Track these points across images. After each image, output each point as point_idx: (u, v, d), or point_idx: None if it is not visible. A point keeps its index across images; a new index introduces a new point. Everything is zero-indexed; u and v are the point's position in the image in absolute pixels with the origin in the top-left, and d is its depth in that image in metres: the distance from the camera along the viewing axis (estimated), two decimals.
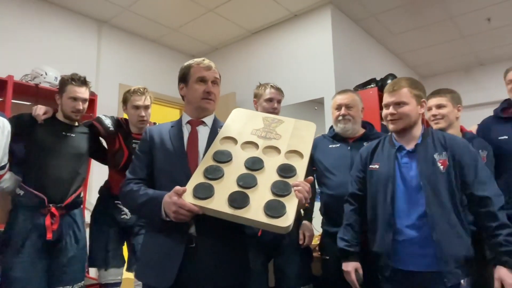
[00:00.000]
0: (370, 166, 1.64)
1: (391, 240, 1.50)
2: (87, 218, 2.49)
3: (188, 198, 1.23)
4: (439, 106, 1.95)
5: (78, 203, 2.15)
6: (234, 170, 1.34)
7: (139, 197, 1.34)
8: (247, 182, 1.29)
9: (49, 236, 1.91)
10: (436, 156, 1.49)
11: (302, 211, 2.06)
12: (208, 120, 1.52)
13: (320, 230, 2.12)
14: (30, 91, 3.01)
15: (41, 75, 2.98)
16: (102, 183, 2.33)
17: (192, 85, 1.47)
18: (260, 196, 1.25)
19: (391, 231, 1.50)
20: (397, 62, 4.82)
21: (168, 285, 1.25)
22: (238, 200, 1.22)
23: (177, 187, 1.23)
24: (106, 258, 2.17)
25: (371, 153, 1.68)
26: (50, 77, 3.01)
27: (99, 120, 2.22)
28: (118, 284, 2.22)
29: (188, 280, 1.26)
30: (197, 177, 1.30)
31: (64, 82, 2.04)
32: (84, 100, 2.07)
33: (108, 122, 2.20)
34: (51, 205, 1.94)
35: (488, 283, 1.88)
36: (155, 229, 1.36)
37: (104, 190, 2.31)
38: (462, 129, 2.02)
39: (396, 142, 1.60)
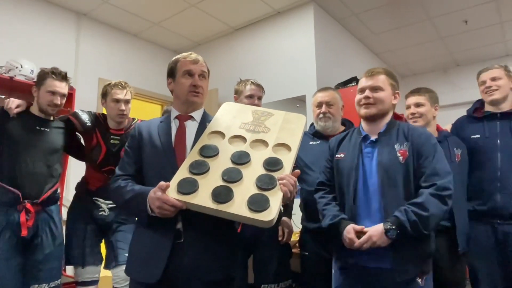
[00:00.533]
0: (336, 156, 1.62)
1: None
2: (64, 215, 2.44)
3: (172, 194, 1.22)
4: (417, 105, 1.98)
5: (55, 199, 2.10)
6: (220, 164, 1.33)
7: (126, 193, 1.33)
8: (231, 176, 1.28)
9: (24, 233, 1.86)
10: (396, 146, 1.47)
11: (281, 208, 2.08)
12: (197, 114, 1.51)
13: (300, 227, 2.14)
14: (4, 84, 2.92)
15: (16, 67, 2.89)
16: (79, 179, 2.29)
17: (179, 79, 1.46)
18: (244, 190, 1.24)
19: (351, 222, 1.47)
20: (377, 62, 4.90)
21: (155, 280, 1.25)
22: (222, 194, 1.22)
23: (161, 183, 1.23)
24: (83, 255, 2.13)
25: (339, 143, 1.66)
26: (26, 69, 2.92)
27: (75, 115, 2.17)
28: (95, 282, 2.18)
29: (175, 274, 1.27)
30: (182, 172, 1.30)
31: (44, 74, 1.98)
32: (62, 95, 2.03)
33: (85, 117, 2.15)
34: (26, 201, 1.89)
35: (461, 275, 1.96)
36: (143, 225, 1.35)
37: (81, 187, 2.26)
38: (438, 128, 2.07)
39: (362, 131, 1.59)
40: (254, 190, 1.24)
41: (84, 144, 2.27)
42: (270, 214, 1.17)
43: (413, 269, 1.38)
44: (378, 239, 1.32)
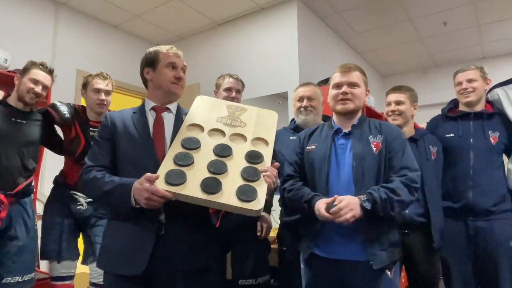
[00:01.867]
0: (307, 147, 1.62)
1: (320, 222, 1.47)
2: (39, 209, 2.39)
3: (161, 185, 1.22)
4: (398, 102, 2.01)
5: (29, 192, 2.07)
6: (204, 156, 1.35)
7: (105, 185, 1.30)
8: (218, 168, 1.31)
9: None
10: (370, 138, 1.50)
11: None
12: (173, 107, 1.52)
13: (279, 222, 2.15)
14: None
15: None
16: (55, 173, 2.23)
17: (162, 69, 1.46)
18: (232, 181, 1.28)
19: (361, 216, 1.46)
20: (359, 60, 4.95)
21: (138, 272, 1.25)
22: (211, 185, 1.25)
23: (149, 174, 1.22)
24: (59, 250, 2.08)
25: (309, 136, 1.67)
26: (0, 58, 2.83)
27: (54, 106, 2.12)
28: (71, 277, 2.14)
29: (158, 266, 1.27)
30: (167, 164, 1.30)
31: (30, 65, 1.97)
32: (44, 87, 2.00)
33: (64, 109, 2.10)
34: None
35: (435, 271, 2.01)
36: (121, 218, 1.33)
37: (59, 180, 2.21)
38: (415, 126, 2.11)
39: (334, 125, 1.60)
40: (241, 181, 1.29)
41: (62, 137, 2.22)
42: (259, 203, 1.23)
43: (385, 257, 1.39)
44: (355, 209, 1.32)
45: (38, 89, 1.98)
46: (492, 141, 1.91)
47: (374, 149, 1.47)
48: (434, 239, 1.85)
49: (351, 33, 4.34)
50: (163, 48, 1.49)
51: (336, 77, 1.59)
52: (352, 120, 1.57)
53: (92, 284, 2.16)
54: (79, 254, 2.20)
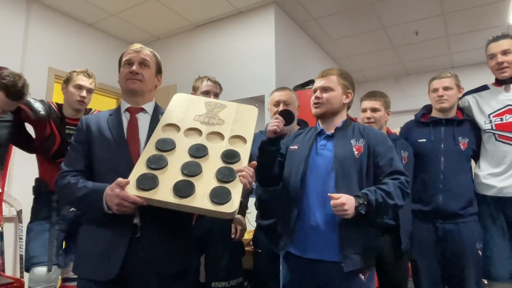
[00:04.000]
0: (290, 147, 1.64)
1: (295, 219, 1.49)
2: (5, 211, 2.28)
3: (132, 190, 1.20)
4: (373, 110, 2.04)
5: None
6: (178, 158, 1.32)
7: (78, 190, 1.28)
8: (191, 170, 1.28)
9: None
10: (352, 141, 1.51)
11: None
12: (148, 107, 1.49)
13: (255, 225, 2.14)
14: None
15: None
16: (24, 173, 2.13)
17: (121, 69, 1.46)
18: (205, 183, 1.25)
19: (296, 209, 1.49)
20: (334, 66, 5.01)
21: (111, 277, 1.21)
22: (183, 189, 1.22)
23: (119, 179, 1.20)
24: (50, 257, 1.99)
25: (294, 137, 1.69)
26: None
27: (27, 103, 2.02)
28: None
29: (132, 270, 1.24)
30: (139, 168, 1.27)
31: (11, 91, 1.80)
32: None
33: (38, 106, 2.01)
34: None
35: (404, 272, 2.04)
36: (95, 222, 1.30)
37: (40, 188, 2.12)
38: (388, 131, 2.14)
39: (319, 127, 1.63)
40: (215, 183, 1.26)
41: (34, 135, 2.13)
42: (233, 205, 1.20)
43: (358, 261, 1.39)
44: (350, 209, 1.31)
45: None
46: (462, 146, 1.96)
47: (356, 152, 1.48)
48: (402, 242, 1.89)
49: (327, 39, 4.40)
50: (128, 48, 1.48)
51: (315, 83, 1.63)
52: (334, 122, 1.59)
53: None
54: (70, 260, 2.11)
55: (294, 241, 1.50)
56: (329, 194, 1.36)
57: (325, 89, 1.57)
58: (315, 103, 1.59)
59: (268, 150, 1.60)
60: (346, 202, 1.31)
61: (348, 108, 1.67)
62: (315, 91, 1.61)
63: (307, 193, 1.50)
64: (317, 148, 1.56)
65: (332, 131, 1.58)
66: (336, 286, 1.41)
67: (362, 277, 1.41)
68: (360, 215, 1.34)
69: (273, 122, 1.56)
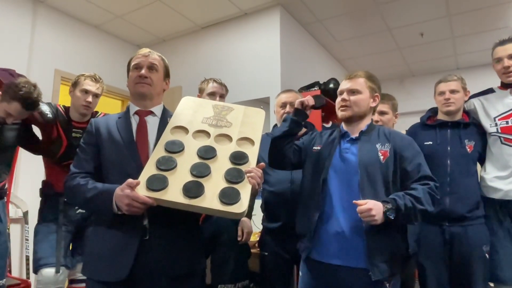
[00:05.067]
0: (314, 148, 1.63)
1: (316, 222, 1.47)
2: (12, 212, 2.31)
3: (142, 191, 1.21)
4: (381, 113, 2.06)
5: (2, 194, 1.99)
6: (187, 159, 1.33)
7: (88, 191, 1.29)
8: (200, 171, 1.29)
9: None
10: (378, 146, 1.48)
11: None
12: (157, 110, 1.50)
13: (260, 227, 2.15)
14: None
15: None
16: (30, 175, 2.15)
17: (130, 73, 1.48)
18: (214, 184, 1.26)
19: (318, 211, 1.48)
20: (339, 68, 5.03)
21: (121, 278, 1.22)
22: (193, 189, 1.22)
23: (130, 180, 1.21)
24: (58, 258, 2.01)
25: (319, 136, 1.68)
26: None
27: None
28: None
29: (142, 271, 1.25)
30: (149, 169, 1.28)
31: (27, 102, 1.82)
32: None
33: (46, 109, 2.03)
34: None
35: (411, 274, 2.04)
36: (105, 223, 1.31)
37: (47, 190, 2.15)
38: None
39: (342, 129, 1.61)
40: (224, 184, 1.26)
41: (41, 138, 2.15)
42: (242, 206, 1.20)
43: (386, 269, 1.37)
44: (377, 215, 1.28)
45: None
46: (468, 149, 1.96)
47: (382, 157, 1.46)
48: (409, 244, 1.88)
49: (332, 41, 4.40)
50: (137, 53, 1.50)
51: (341, 85, 1.61)
52: (358, 126, 1.57)
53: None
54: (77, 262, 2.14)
55: (315, 245, 1.47)
56: (354, 201, 1.32)
57: (352, 92, 1.55)
58: (341, 106, 1.56)
59: (292, 119, 1.60)
60: (373, 207, 1.28)
61: (374, 111, 1.65)
62: (341, 93, 1.58)
63: (330, 197, 1.48)
64: (341, 151, 1.54)
65: (357, 134, 1.55)
66: None
67: (387, 284, 1.39)
68: (388, 221, 1.31)
69: (306, 97, 1.60)
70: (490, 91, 2.05)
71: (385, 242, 1.39)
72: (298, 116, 1.61)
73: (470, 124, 2.02)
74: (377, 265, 1.36)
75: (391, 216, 1.29)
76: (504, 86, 1.99)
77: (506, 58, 1.92)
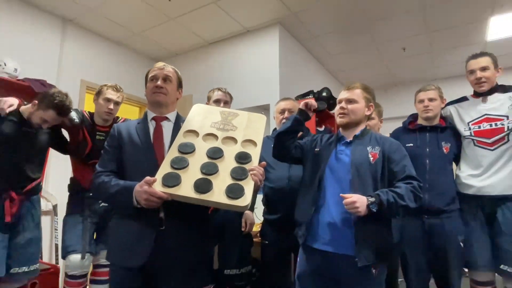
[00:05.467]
0: (315, 149, 1.64)
1: (312, 214, 1.49)
2: (42, 205, 2.31)
3: (158, 187, 1.22)
4: (368, 118, 2.06)
5: (37, 190, 2.01)
6: (198, 159, 1.34)
7: (111, 187, 1.30)
8: (209, 169, 1.30)
9: (8, 219, 1.77)
10: (369, 148, 1.50)
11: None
12: (171, 116, 1.51)
13: (261, 219, 2.16)
14: None
15: (0, 65, 2.70)
16: (59, 172, 2.15)
17: (147, 84, 1.49)
18: (222, 181, 1.27)
19: (314, 205, 1.49)
20: (331, 79, 5.02)
21: (140, 263, 1.24)
22: (203, 185, 1.24)
23: (148, 178, 1.22)
24: (83, 246, 2.03)
25: (320, 139, 1.69)
26: (9, 68, 2.74)
27: None
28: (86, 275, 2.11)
29: (158, 258, 1.26)
30: (164, 168, 1.29)
31: (61, 110, 1.84)
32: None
33: (73, 114, 2.04)
34: (11, 191, 1.80)
35: (394, 262, 2.03)
36: (126, 216, 1.33)
37: (74, 186, 2.16)
38: None
39: (340, 134, 1.63)
40: (230, 181, 1.27)
41: (69, 140, 2.17)
42: (246, 200, 1.21)
43: (371, 256, 1.37)
44: (361, 207, 1.30)
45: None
46: (445, 150, 1.96)
47: (371, 158, 1.47)
48: (394, 235, 1.89)
49: (325, 55, 4.41)
50: (153, 66, 1.51)
51: (340, 95, 1.63)
52: (354, 131, 1.59)
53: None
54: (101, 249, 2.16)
55: (310, 233, 1.49)
56: (341, 194, 1.35)
57: (349, 101, 1.57)
58: (340, 113, 1.59)
59: (295, 117, 1.62)
60: (358, 200, 1.30)
61: (368, 119, 1.66)
62: (340, 102, 1.60)
63: (325, 192, 1.49)
64: (337, 152, 1.56)
65: (351, 138, 1.57)
66: (349, 278, 1.40)
67: (374, 271, 1.39)
68: (374, 215, 1.32)
69: (310, 100, 1.64)
70: (464, 99, 2.05)
71: (371, 233, 1.39)
72: (301, 116, 1.63)
73: (447, 128, 2.03)
74: (363, 253, 1.36)
75: (373, 209, 1.31)
76: (477, 94, 2.00)
77: (479, 70, 1.92)
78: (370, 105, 1.62)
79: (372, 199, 1.32)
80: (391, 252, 1.42)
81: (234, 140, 1.46)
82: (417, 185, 1.40)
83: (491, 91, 1.93)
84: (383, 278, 1.45)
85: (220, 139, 1.45)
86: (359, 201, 1.30)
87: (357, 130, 1.59)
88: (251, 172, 1.30)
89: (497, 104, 1.91)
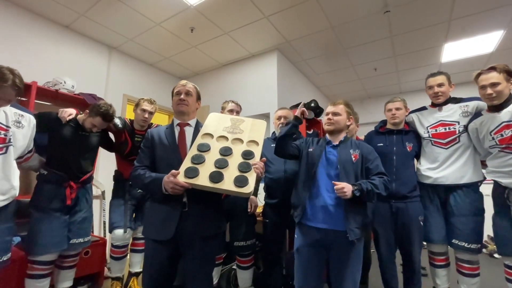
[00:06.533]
0: (309, 149, 1.65)
1: (307, 198, 1.50)
2: (94, 191, 2.32)
3: (181, 178, 1.23)
4: None
5: (90, 180, 2.02)
6: (212, 156, 1.34)
7: (145, 179, 1.31)
8: (221, 164, 1.30)
9: (68, 202, 1.80)
10: (351, 151, 1.52)
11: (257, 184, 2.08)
12: (192, 122, 1.51)
13: (263, 202, 2.15)
14: (50, 95, 2.72)
15: (61, 83, 2.72)
16: (106, 166, 2.16)
17: (173, 98, 1.49)
18: (231, 173, 1.27)
19: (308, 192, 1.51)
20: (317, 92, 5.00)
21: (168, 237, 1.25)
22: (216, 177, 1.24)
23: (173, 171, 1.24)
24: (125, 222, 2.05)
25: (311, 141, 1.70)
26: (68, 85, 2.75)
27: None
28: (127, 245, 2.13)
29: (182, 233, 1.27)
30: (186, 163, 1.29)
31: (106, 117, 1.85)
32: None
33: (117, 121, 2.07)
34: (70, 181, 1.83)
35: (368, 236, 2.01)
36: (156, 200, 1.33)
37: (118, 177, 2.18)
38: (357, 138, 2.13)
39: (327, 139, 1.65)
40: (237, 173, 1.28)
41: (114, 141, 2.18)
42: (249, 188, 1.22)
43: (358, 232, 1.41)
44: (348, 192, 1.36)
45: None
46: (408, 149, 1.94)
47: (353, 158, 1.49)
48: (367, 215, 1.87)
49: (313, 73, 4.38)
50: (178, 84, 1.50)
51: (328, 108, 1.66)
52: (338, 137, 1.61)
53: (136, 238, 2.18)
54: (138, 225, 2.17)
55: (306, 214, 1.50)
56: (333, 182, 1.40)
57: (335, 114, 1.60)
58: (327, 123, 1.61)
59: (292, 123, 1.64)
60: (345, 186, 1.36)
61: (348, 127, 1.67)
62: (327, 114, 1.64)
63: (317, 182, 1.51)
64: (326, 153, 1.57)
65: (337, 142, 1.60)
66: (339, 247, 1.42)
67: (358, 243, 1.43)
68: (357, 199, 1.37)
69: (302, 109, 1.66)
70: (424, 108, 2.03)
71: (355, 213, 1.42)
72: (297, 121, 1.65)
73: (410, 131, 2.00)
74: (352, 229, 1.39)
75: (357, 194, 1.36)
76: (434, 105, 1.97)
77: (436, 86, 1.90)
78: (350, 117, 1.65)
79: (356, 187, 1.37)
80: (367, 228, 1.45)
81: (240, 140, 1.46)
82: (386, 179, 1.46)
83: (446, 102, 1.91)
84: (362, 247, 1.48)
85: (230, 140, 1.45)
86: (347, 187, 1.36)
87: (341, 136, 1.61)
88: (254, 166, 1.30)
89: (450, 112, 1.88)
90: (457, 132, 1.81)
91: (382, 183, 1.43)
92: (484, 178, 1.77)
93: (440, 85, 1.89)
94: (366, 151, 1.53)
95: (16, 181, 1.53)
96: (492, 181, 1.63)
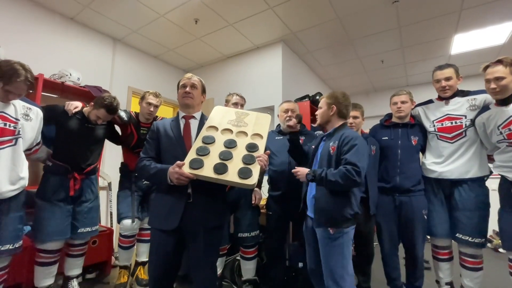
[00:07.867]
0: (312, 146, 1.71)
1: (305, 191, 1.62)
2: (101, 182, 2.36)
3: (186, 169, 1.24)
4: (354, 117, 2.05)
5: (95, 171, 2.05)
6: (217, 148, 1.35)
7: (151, 169, 1.32)
8: (226, 156, 1.31)
9: (71, 193, 1.83)
10: (331, 144, 1.52)
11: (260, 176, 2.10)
12: (197, 115, 1.51)
13: (267, 195, 2.16)
14: (56, 87, 2.75)
15: (67, 75, 2.73)
16: (112, 158, 2.19)
17: (179, 91, 1.49)
18: (235, 165, 1.28)
19: (307, 185, 1.62)
20: (323, 85, 4.95)
21: (173, 227, 1.27)
22: (220, 168, 1.25)
23: (178, 162, 1.25)
24: (132, 213, 2.09)
25: (315, 139, 1.78)
26: (74, 77, 2.77)
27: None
28: (135, 235, 2.17)
29: (187, 223, 1.28)
30: (191, 154, 1.30)
31: (110, 109, 1.86)
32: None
33: (123, 114, 2.08)
34: (74, 172, 1.86)
35: (371, 229, 2.03)
36: (162, 191, 1.34)
37: (124, 169, 2.20)
38: (362, 132, 2.12)
39: (322, 133, 1.70)
40: (241, 165, 1.28)
41: (120, 133, 2.21)
42: (253, 179, 1.23)
43: (323, 222, 1.44)
44: (301, 176, 1.50)
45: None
46: (413, 143, 1.93)
47: (331, 151, 1.50)
48: (370, 208, 1.88)
49: (318, 66, 4.33)
50: (183, 77, 1.50)
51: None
52: (328, 129, 1.63)
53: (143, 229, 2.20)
54: (145, 216, 2.20)
55: (306, 204, 1.60)
56: (292, 170, 1.53)
57: (319, 108, 1.64)
58: (316, 117, 1.67)
59: (291, 138, 1.78)
60: (299, 171, 1.51)
61: (341, 115, 1.59)
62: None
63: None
64: (319, 147, 1.63)
65: (325, 136, 1.62)
66: (320, 233, 1.47)
67: (330, 230, 1.41)
68: (339, 191, 1.43)
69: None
70: (430, 101, 2.00)
71: (326, 204, 1.45)
72: (293, 136, 1.77)
73: (415, 125, 1.99)
74: (317, 218, 1.47)
75: (309, 178, 1.46)
76: (441, 98, 1.94)
77: (443, 80, 1.86)
78: (332, 107, 1.57)
79: (310, 173, 1.46)
80: (345, 220, 1.42)
81: (245, 133, 1.46)
82: (351, 168, 1.36)
83: (453, 96, 1.88)
84: (343, 241, 1.41)
85: (234, 133, 1.45)
86: (300, 171, 1.50)
87: (330, 128, 1.61)
88: (258, 158, 1.31)
89: (457, 106, 1.85)
90: (463, 126, 1.79)
91: (342, 173, 1.36)
92: (491, 173, 1.75)
93: (447, 79, 1.85)
94: (342, 143, 1.46)
95: (25, 172, 1.58)
96: (499, 176, 1.61)
